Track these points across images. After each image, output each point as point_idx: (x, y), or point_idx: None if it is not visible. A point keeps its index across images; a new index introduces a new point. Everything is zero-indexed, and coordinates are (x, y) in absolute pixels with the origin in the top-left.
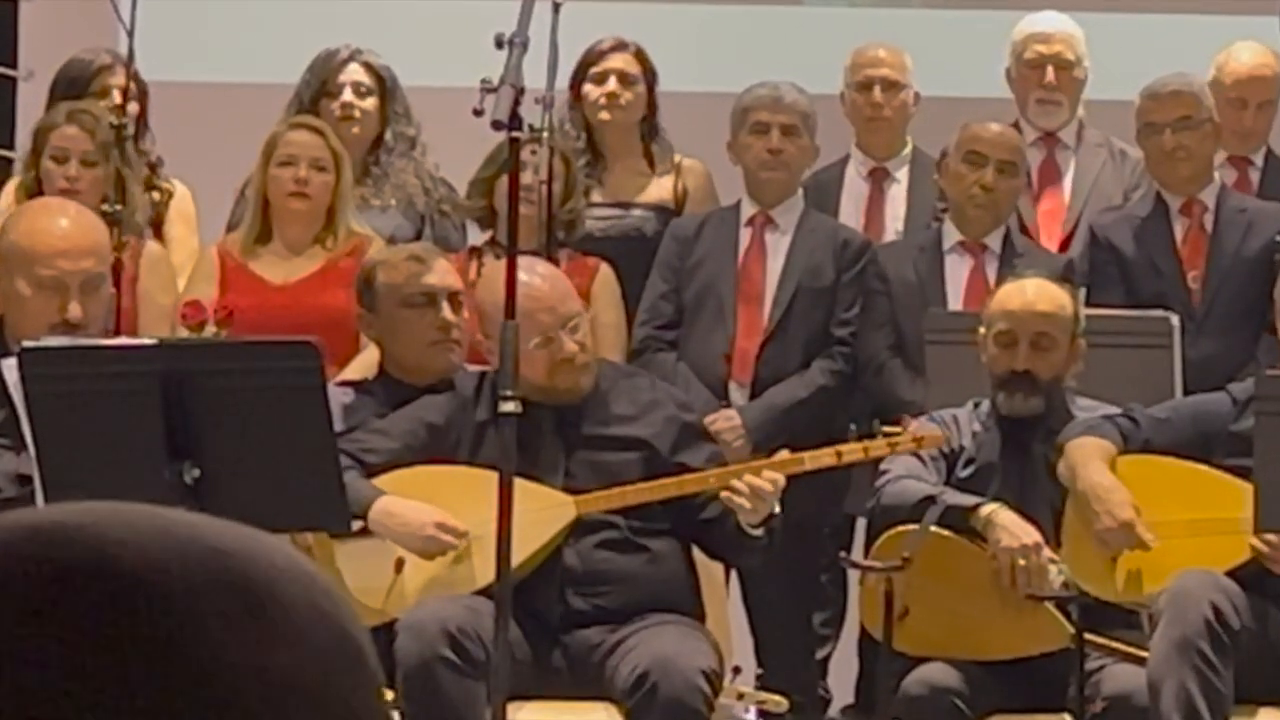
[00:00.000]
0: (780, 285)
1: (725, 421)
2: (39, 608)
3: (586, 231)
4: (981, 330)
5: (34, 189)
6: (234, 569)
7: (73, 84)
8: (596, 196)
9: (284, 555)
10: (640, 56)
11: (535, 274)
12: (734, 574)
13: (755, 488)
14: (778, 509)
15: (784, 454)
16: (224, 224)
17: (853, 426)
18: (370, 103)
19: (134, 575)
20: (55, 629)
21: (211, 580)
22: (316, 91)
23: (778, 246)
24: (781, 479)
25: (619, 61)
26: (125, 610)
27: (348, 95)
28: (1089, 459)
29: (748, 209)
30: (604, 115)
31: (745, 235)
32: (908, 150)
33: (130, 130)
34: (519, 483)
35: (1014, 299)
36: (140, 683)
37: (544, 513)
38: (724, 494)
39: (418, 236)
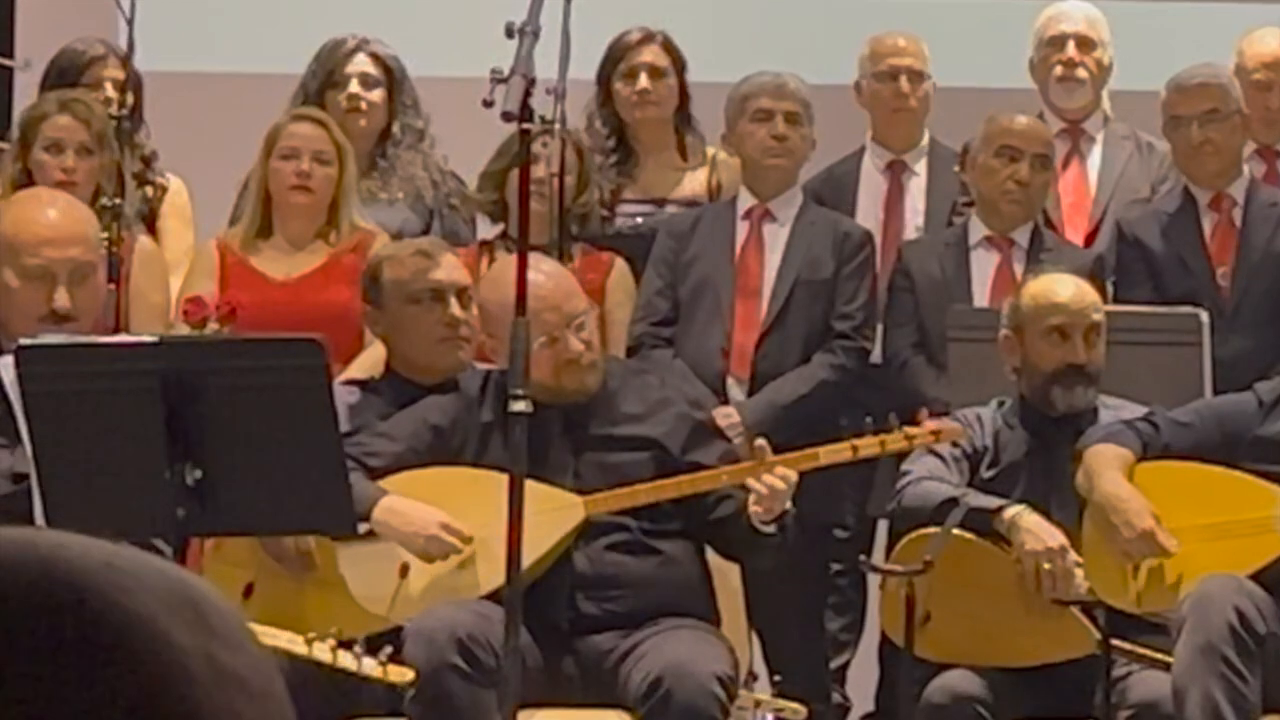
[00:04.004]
0: (778, 278)
1: (724, 418)
2: None
3: (617, 229)
4: (1004, 330)
5: (23, 183)
6: (169, 573)
7: (63, 75)
8: (629, 193)
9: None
10: (668, 46)
11: (539, 271)
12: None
13: (768, 485)
14: (790, 506)
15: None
16: (226, 218)
17: (869, 419)
18: (377, 94)
19: (81, 571)
20: (9, 631)
21: (153, 577)
22: (322, 83)
23: (776, 239)
24: (794, 475)
25: (648, 55)
26: (80, 603)
27: (354, 87)
28: (1105, 468)
29: (745, 202)
30: (638, 113)
31: (742, 228)
32: (925, 142)
33: (127, 122)
34: (527, 484)
35: (1062, 292)
36: (100, 673)
37: (552, 514)
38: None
39: (426, 230)
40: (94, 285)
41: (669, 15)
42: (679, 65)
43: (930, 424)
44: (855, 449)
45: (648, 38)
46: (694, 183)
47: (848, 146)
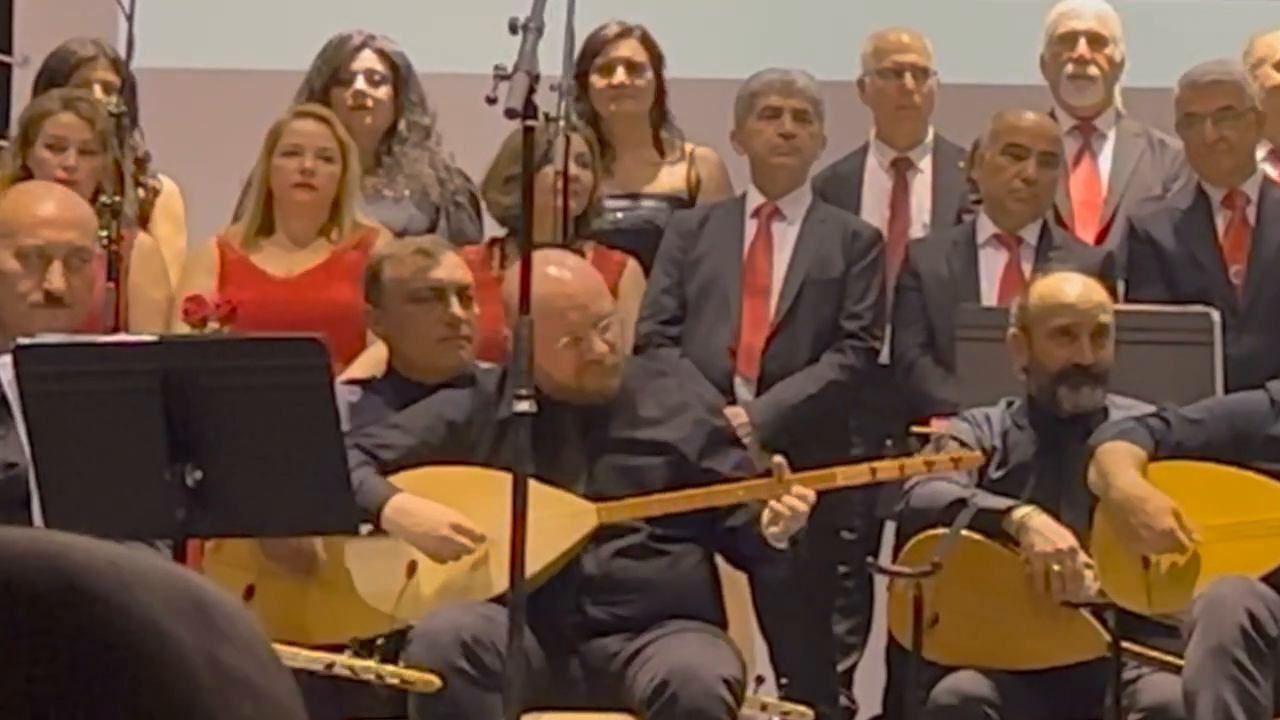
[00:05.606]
0: (787, 277)
1: (732, 419)
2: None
3: (596, 226)
4: (1013, 329)
5: (21, 180)
6: (176, 574)
7: (53, 77)
8: (606, 188)
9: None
10: (646, 41)
11: (566, 269)
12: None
13: (787, 505)
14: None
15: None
16: (228, 216)
17: (888, 442)
18: (383, 91)
19: (85, 570)
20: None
21: (158, 578)
22: (328, 79)
23: (785, 238)
24: (812, 495)
25: (626, 49)
26: (81, 600)
27: (360, 84)
28: (1120, 466)
29: (754, 200)
30: (614, 107)
31: (751, 227)
32: (929, 139)
33: (125, 120)
34: (539, 488)
35: (1070, 292)
36: (100, 671)
37: (564, 520)
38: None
39: (432, 228)
40: (89, 274)
41: (670, 12)
42: (656, 60)
43: (950, 452)
44: (874, 471)
45: (625, 32)
46: (673, 177)
47: (851, 144)
